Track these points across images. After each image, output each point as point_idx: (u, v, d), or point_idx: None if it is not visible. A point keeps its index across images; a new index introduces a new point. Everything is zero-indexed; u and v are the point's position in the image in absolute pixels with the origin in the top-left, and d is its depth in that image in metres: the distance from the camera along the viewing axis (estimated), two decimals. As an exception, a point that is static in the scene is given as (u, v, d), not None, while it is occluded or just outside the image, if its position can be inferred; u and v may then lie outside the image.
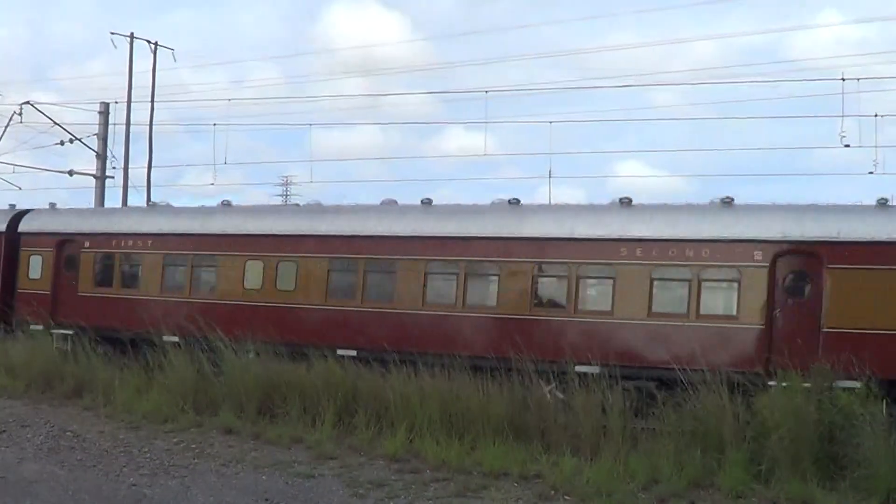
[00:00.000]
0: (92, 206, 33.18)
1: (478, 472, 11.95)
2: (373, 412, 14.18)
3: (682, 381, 13.32)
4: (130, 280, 21.58)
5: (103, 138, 35.91)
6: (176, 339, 18.16)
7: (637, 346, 15.85)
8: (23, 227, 23.48)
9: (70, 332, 20.85)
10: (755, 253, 15.44)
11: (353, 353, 17.19)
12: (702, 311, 15.61)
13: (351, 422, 14.28)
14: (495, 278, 17.37)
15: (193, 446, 13.55)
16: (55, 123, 35.13)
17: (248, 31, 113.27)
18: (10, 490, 10.92)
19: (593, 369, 14.58)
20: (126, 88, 35.97)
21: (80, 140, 35.51)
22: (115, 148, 36.19)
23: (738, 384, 13.18)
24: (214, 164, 32.74)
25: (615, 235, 16.46)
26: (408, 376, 14.67)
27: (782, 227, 15.51)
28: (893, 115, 26.78)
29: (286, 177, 74.56)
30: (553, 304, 16.99)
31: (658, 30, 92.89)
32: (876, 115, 22.33)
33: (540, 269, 17.07)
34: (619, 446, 12.32)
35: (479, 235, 17.67)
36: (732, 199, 16.56)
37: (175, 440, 13.95)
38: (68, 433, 14.39)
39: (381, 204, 19.64)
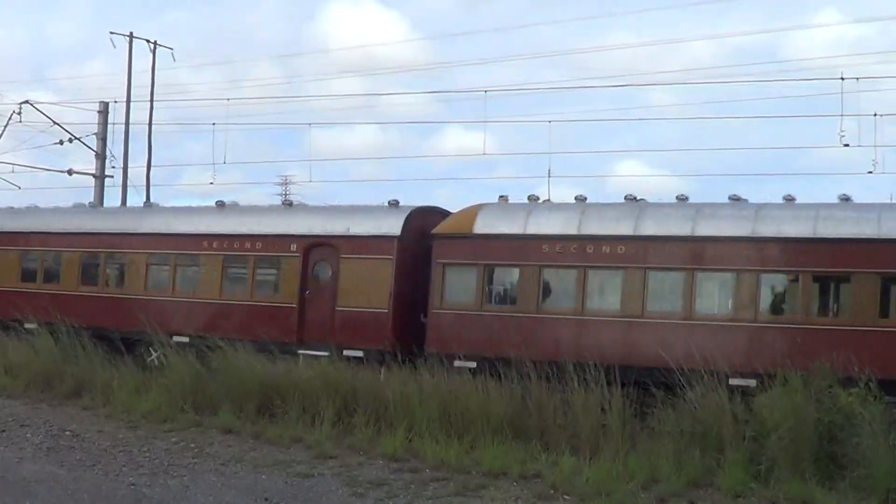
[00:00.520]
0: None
1: (477, 472, 11.95)
2: (372, 412, 14.18)
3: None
4: None
5: (102, 138, 35.91)
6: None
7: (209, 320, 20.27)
8: None
9: None
10: (291, 245, 19.88)
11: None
12: (255, 294, 20.32)
13: (350, 421, 14.28)
14: None
15: (193, 446, 13.55)
16: (54, 123, 35.19)
17: (247, 31, 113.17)
18: (10, 490, 10.91)
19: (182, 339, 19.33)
20: (125, 88, 36.04)
21: (79, 139, 35.55)
22: (115, 147, 36.26)
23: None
24: (213, 164, 32.70)
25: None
26: (408, 376, 14.71)
27: (311, 225, 20.05)
28: (893, 115, 26.76)
29: (285, 176, 74.62)
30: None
31: (656, 29, 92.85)
32: (875, 115, 22.34)
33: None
34: (619, 446, 12.32)
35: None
36: (292, 203, 22.60)
37: (174, 440, 13.95)
38: (67, 433, 14.38)
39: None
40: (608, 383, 13.44)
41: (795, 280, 15.95)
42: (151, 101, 36.03)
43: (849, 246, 15.36)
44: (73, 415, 16.03)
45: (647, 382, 14.62)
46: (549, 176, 25.44)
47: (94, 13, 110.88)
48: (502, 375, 14.57)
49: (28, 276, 23.98)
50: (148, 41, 36.36)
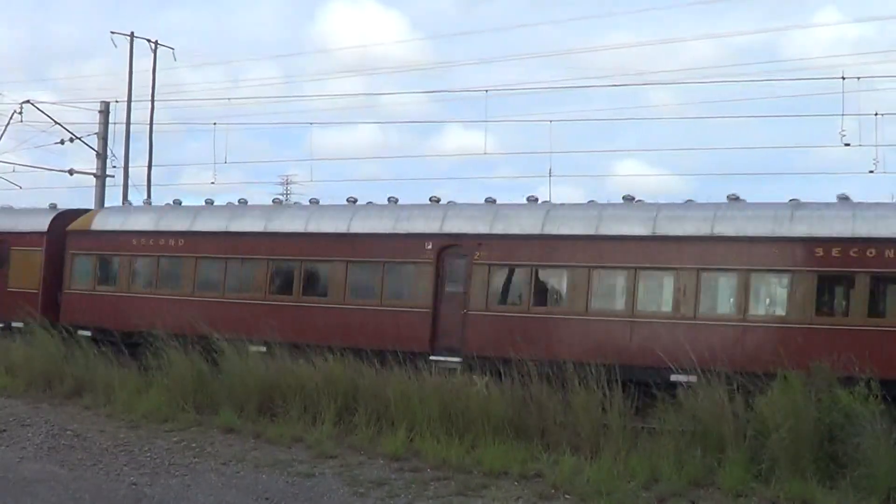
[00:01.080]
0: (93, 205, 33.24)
1: (478, 471, 11.95)
2: (373, 411, 14.18)
3: None
4: None
5: (103, 137, 35.88)
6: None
7: None
8: None
9: None
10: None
11: None
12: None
13: (351, 421, 14.28)
14: None
15: (194, 445, 13.56)
16: (55, 122, 35.14)
17: (248, 30, 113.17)
18: (10, 489, 10.93)
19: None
20: (126, 87, 36.06)
21: (80, 139, 35.49)
22: (116, 147, 36.26)
23: None
24: (214, 163, 32.78)
25: None
26: (408, 375, 14.71)
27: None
28: (894, 115, 26.69)
29: (286, 176, 74.66)
30: None
31: (656, 29, 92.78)
32: (876, 114, 22.32)
33: None
34: (620, 445, 12.31)
35: None
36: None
37: (175, 439, 13.95)
38: (68, 432, 14.39)
39: None
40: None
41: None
42: (152, 100, 36.11)
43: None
44: (74, 414, 16.05)
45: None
46: (550, 175, 25.46)
47: (94, 13, 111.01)
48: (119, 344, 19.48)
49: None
50: (149, 41, 36.44)
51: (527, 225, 18.29)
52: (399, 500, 10.76)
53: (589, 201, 19.38)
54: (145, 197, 33.03)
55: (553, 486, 11.27)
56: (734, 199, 17.44)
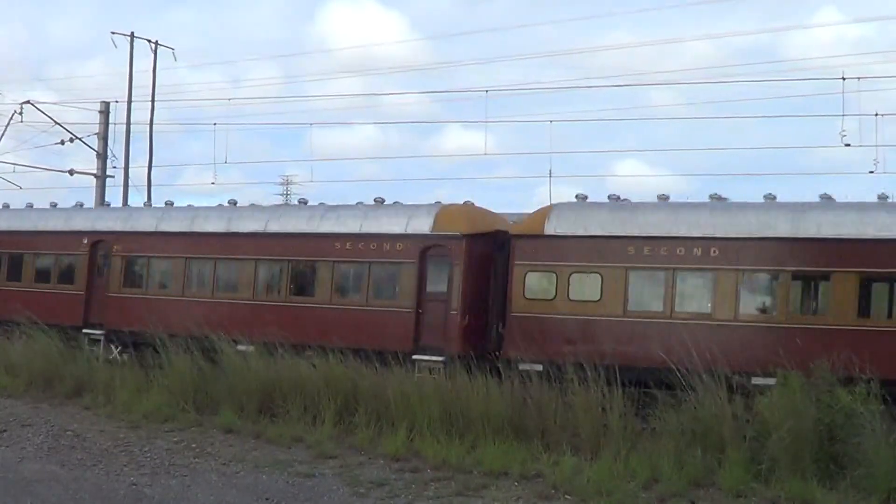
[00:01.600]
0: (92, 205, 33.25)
1: (478, 472, 11.95)
2: (373, 411, 14.18)
3: None
4: None
5: (104, 138, 35.91)
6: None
7: None
8: None
9: None
10: None
11: None
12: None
13: (351, 421, 14.28)
14: None
15: (194, 445, 13.55)
16: (55, 123, 35.21)
17: (248, 30, 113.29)
18: (11, 489, 10.92)
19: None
20: (126, 88, 36.04)
21: (80, 139, 35.57)
22: (116, 147, 36.28)
23: None
24: (214, 164, 32.85)
25: None
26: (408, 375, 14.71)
27: None
28: (894, 115, 26.73)
29: (286, 176, 74.70)
30: None
31: (656, 29, 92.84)
32: (876, 115, 22.35)
33: None
34: (620, 445, 12.30)
35: None
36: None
37: (175, 439, 13.95)
38: (69, 433, 14.39)
39: None
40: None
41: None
42: (153, 100, 36.08)
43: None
44: (74, 414, 16.05)
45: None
46: (550, 176, 25.48)
47: (94, 13, 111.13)
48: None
49: None
50: (149, 41, 36.42)
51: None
52: (399, 501, 10.76)
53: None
54: (145, 197, 33.13)
55: (553, 486, 11.26)
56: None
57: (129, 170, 35.84)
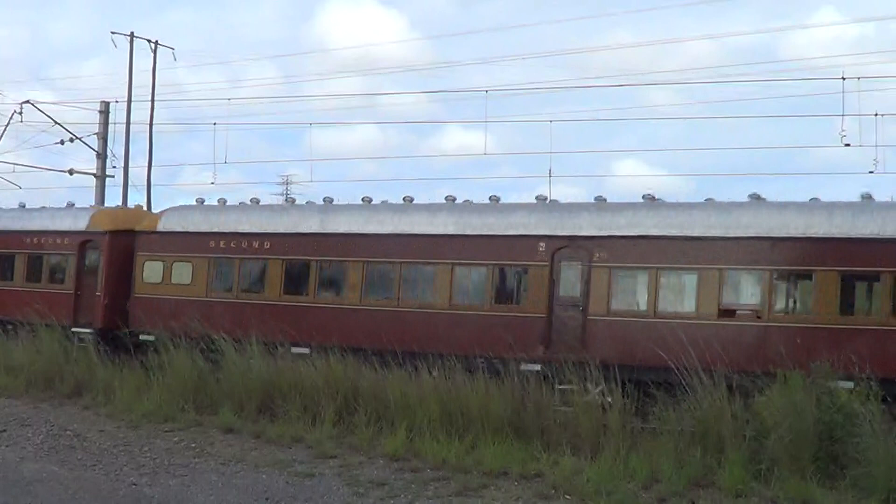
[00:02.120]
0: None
1: (478, 471, 11.95)
2: (373, 411, 14.19)
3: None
4: None
5: (103, 137, 35.91)
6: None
7: None
8: None
9: None
10: None
11: None
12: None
13: (351, 421, 14.29)
14: None
15: (194, 445, 13.56)
16: (55, 122, 35.18)
17: (248, 30, 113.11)
18: (10, 489, 10.94)
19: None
20: (126, 87, 36.03)
21: (80, 139, 35.54)
22: (115, 147, 36.31)
23: None
24: (214, 163, 32.86)
25: None
26: (408, 375, 14.71)
27: None
28: (894, 115, 26.76)
29: (286, 176, 74.65)
30: None
31: (656, 29, 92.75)
32: (876, 115, 22.35)
33: None
34: (620, 445, 12.31)
35: None
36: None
37: (175, 439, 13.96)
38: (68, 432, 14.40)
39: None
40: None
41: None
42: (152, 100, 36.03)
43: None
44: (74, 414, 16.06)
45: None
46: (550, 176, 25.49)
47: (94, 13, 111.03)
48: None
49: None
50: (149, 41, 36.36)
51: None
52: (399, 500, 10.76)
53: None
54: (145, 197, 33.26)
55: (553, 486, 11.27)
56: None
57: (129, 169, 35.87)
